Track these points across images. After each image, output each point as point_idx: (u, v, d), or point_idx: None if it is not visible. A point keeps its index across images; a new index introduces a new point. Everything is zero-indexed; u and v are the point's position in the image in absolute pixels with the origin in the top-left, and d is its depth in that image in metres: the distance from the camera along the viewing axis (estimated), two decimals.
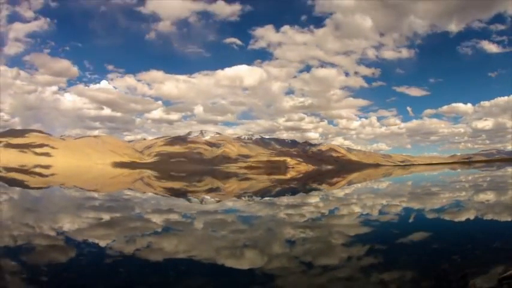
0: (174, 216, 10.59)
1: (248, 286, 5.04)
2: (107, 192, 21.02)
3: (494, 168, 50.59)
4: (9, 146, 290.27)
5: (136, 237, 7.62)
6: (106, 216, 10.30)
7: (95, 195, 18.41)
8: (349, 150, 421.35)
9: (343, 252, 6.45)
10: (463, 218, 9.77)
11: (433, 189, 20.61)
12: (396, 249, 6.62)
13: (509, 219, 9.51)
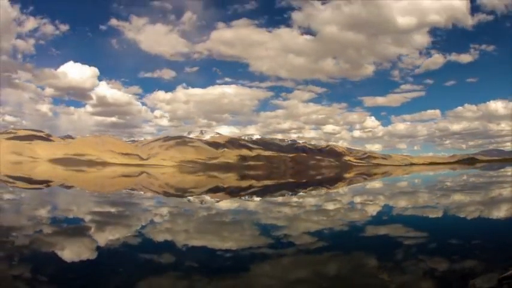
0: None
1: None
2: (100, 192, 20.99)
3: (482, 167, 50.70)
4: (8, 147, 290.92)
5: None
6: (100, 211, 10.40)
7: (93, 195, 18.38)
8: (349, 150, 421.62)
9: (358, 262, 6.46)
10: (462, 218, 9.77)
11: (440, 189, 20.65)
12: (396, 248, 6.60)
13: (509, 219, 9.50)
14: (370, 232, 8.06)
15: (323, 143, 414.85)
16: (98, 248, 6.70)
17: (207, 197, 17.01)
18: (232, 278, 5.20)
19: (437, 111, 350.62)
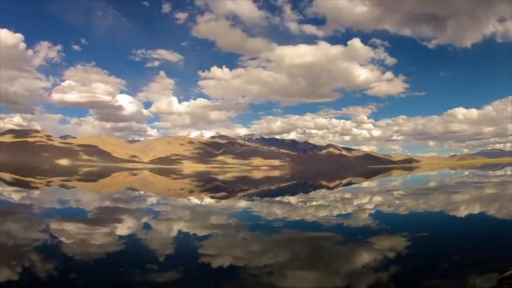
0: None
1: None
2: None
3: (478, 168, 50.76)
4: (9, 145, 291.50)
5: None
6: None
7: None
8: (348, 150, 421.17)
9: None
10: (463, 218, 9.77)
11: (444, 188, 20.66)
12: (396, 248, 6.61)
13: (509, 220, 9.50)
14: (378, 230, 8.09)
15: (322, 143, 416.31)
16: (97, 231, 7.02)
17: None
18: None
19: (407, 117, 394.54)
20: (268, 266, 5.67)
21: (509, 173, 37.29)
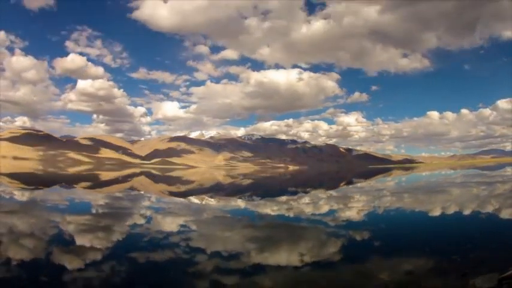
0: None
1: None
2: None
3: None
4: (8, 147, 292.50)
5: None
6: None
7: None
8: (349, 150, 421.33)
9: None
10: (463, 218, 9.77)
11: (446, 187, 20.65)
12: (396, 248, 6.61)
13: (509, 219, 9.50)
14: (377, 230, 8.08)
15: (322, 143, 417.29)
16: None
17: None
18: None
19: (392, 121, 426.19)
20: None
21: (508, 173, 37.28)
